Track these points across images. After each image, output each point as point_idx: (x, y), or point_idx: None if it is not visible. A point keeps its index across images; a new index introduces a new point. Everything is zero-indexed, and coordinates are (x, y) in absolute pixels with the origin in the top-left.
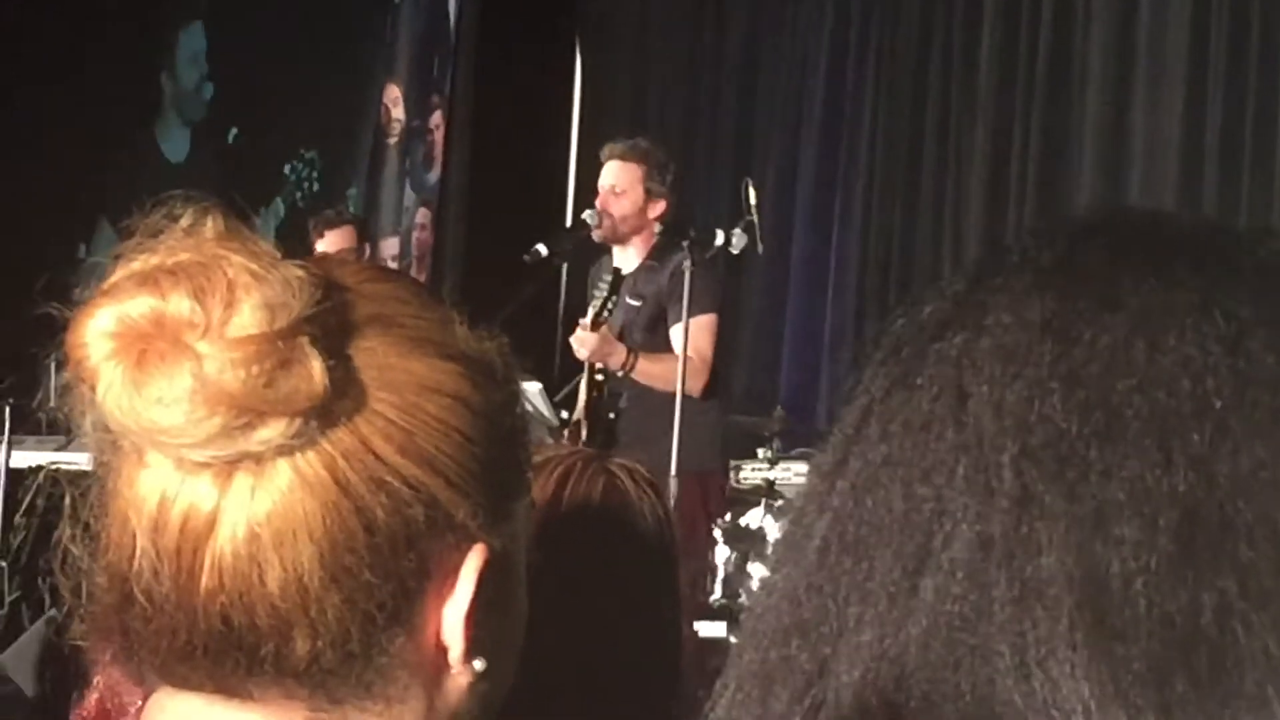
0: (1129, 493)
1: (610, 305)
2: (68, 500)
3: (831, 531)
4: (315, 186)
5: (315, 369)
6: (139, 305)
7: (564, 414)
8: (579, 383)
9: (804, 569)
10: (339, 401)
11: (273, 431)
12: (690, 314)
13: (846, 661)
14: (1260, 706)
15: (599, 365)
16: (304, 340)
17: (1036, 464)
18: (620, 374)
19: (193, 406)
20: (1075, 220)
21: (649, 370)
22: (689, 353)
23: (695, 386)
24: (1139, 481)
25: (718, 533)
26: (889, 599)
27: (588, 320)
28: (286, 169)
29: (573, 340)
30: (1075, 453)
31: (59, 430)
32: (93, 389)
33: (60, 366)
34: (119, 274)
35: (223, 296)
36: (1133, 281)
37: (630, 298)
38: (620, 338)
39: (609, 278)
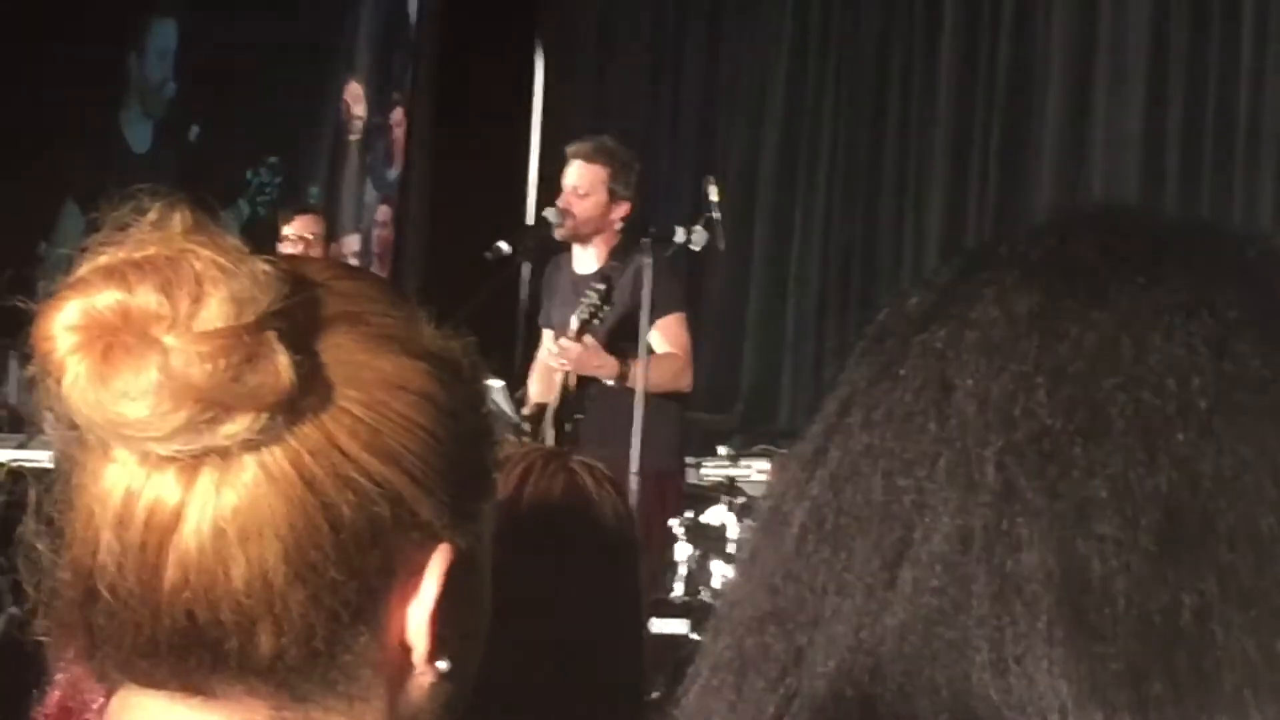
0: (1111, 490)
1: (600, 315)
2: (31, 495)
3: (810, 520)
4: (275, 193)
5: (282, 364)
6: (105, 298)
7: (523, 410)
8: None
9: (781, 557)
10: (305, 397)
11: (239, 426)
12: (659, 314)
13: (823, 651)
14: (1238, 708)
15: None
16: (271, 335)
17: (1019, 459)
18: (611, 383)
19: (158, 400)
20: (1066, 215)
21: (638, 376)
22: (674, 349)
23: (687, 382)
24: (1121, 480)
25: (679, 530)
26: (866, 590)
27: (573, 327)
28: (249, 173)
29: (552, 351)
30: (1059, 449)
31: (20, 428)
32: (58, 382)
33: (23, 361)
34: (86, 267)
35: (190, 290)
36: (1121, 279)
37: (583, 297)
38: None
39: (602, 287)
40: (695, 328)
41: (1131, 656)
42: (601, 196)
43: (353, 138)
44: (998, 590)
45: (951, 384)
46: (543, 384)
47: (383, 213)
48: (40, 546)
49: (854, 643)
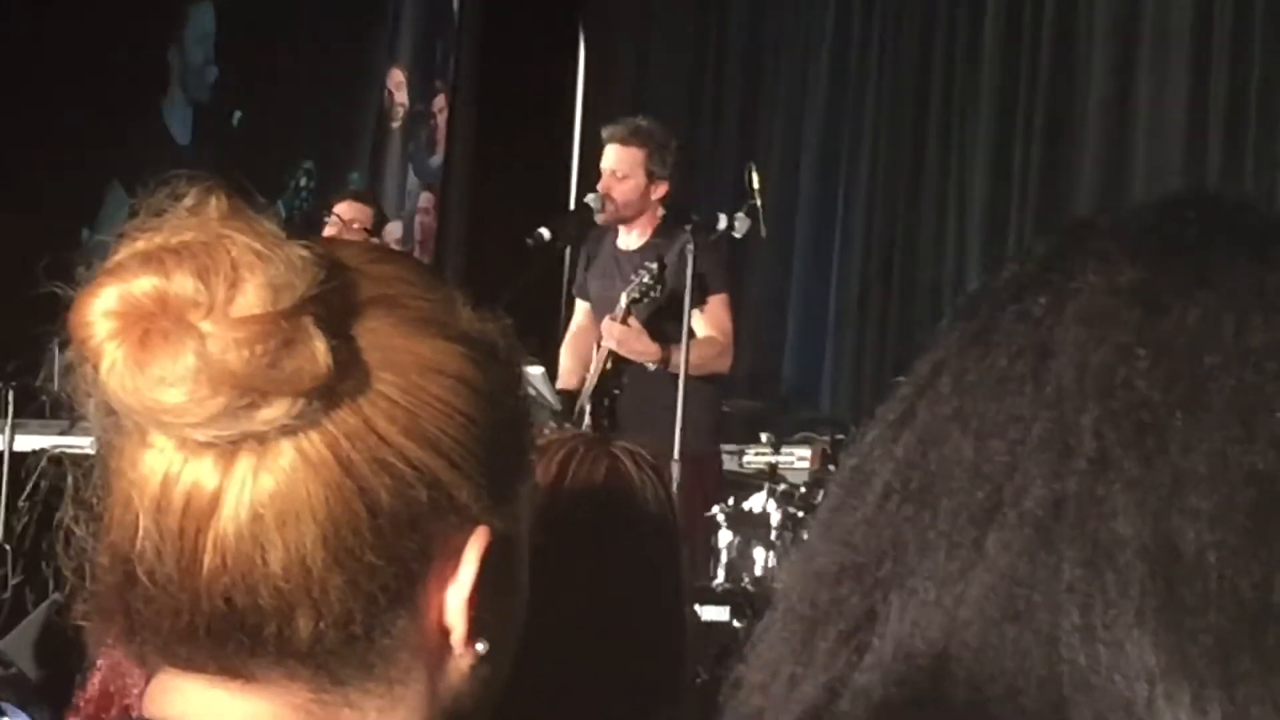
0: (1208, 465)
1: (652, 295)
2: (70, 481)
3: (894, 479)
4: (312, 199)
5: (319, 349)
6: (143, 284)
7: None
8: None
9: (862, 515)
10: (342, 382)
11: (276, 411)
12: (702, 295)
13: (898, 608)
14: None
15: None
16: (308, 320)
17: (1117, 428)
18: (652, 368)
19: (196, 386)
20: (1169, 196)
21: (680, 361)
22: (715, 332)
23: (726, 364)
24: (1219, 455)
25: (721, 516)
26: (950, 549)
27: (622, 304)
28: (285, 177)
29: (603, 327)
30: (1157, 421)
31: (62, 414)
32: (96, 368)
33: (64, 347)
34: (123, 253)
35: (227, 276)
36: (1225, 260)
37: (635, 276)
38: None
39: (654, 266)
40: (739, 316)
41: (1221, 632)
42: (640, 178)
43: (395, 125)
44: (1089, 557)
45: (1049, 351)
46: (572, 359)
47: (425, 200)
48: (79, 532)
49: (932, 599)
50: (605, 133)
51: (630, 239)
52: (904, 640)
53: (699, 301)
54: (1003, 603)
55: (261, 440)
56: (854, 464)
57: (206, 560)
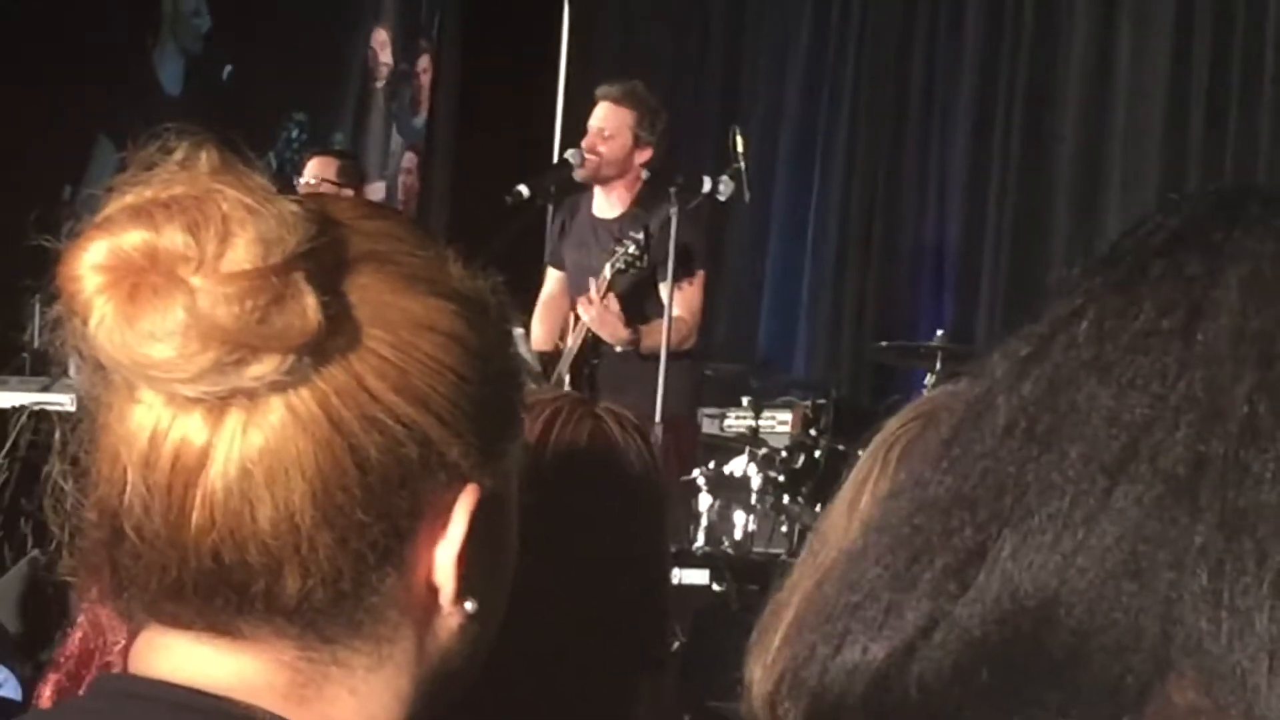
0: None
1: (637, 266)
2: (57, 436)
3: (1019, 416)
4: (302, 150)
5: (309, 305)
6: (132, 238)
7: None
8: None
9: (981, 448)
10: (333, 338)
11: (266, 367)
12: (684, 274)
13: (1012, 547)
14: None
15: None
16: (298, 276)
17: (1272, 399)
18: (619, 349)
19: (185, 341)
20: None
21: (653, 341)
22: (684, 314)
23: (689, 344)
24: None
25: (701, 480)
26: (1075, 495)
27: (607, 275)
28: (276, 128)
29: (580, 302)
30: None
31: (42, 370)
32: (84, 323)
33: (45, 304)
34: (112, 207)
35: (217, 230)
36: None
37: (619, 246)
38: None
39: (640, 237)
40: (717, 283)
41: None
42: (626, 139)
43: (379, 84)
44: (1227, 523)
45: (1201, 310)
46: (545, 326)
47: (408, 160)
48: (66, 487)
49: (1049, 542)
50: (599, 91)
51: (607, 206)
52: (1013, 580)
53: (678, 276)
54: (1125, 557)
55: (251, 396)
56: (978, 393)
57: (194, 516)
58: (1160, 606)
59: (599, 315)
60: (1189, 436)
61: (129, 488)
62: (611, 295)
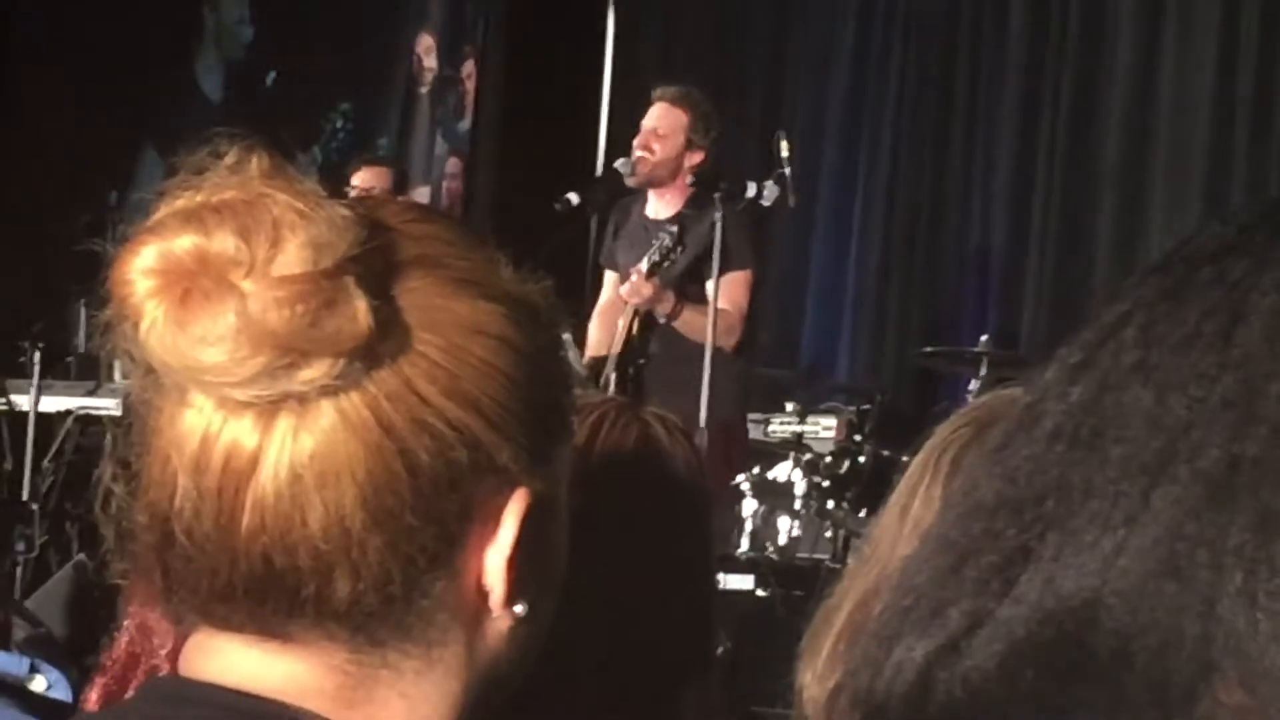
0: None
1: (671, 258)
2: (108, 439)
3: (1066, 421)
4: (348, 140)
5: (360, 309)
6: (183, 243)
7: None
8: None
9: (1029, 452)
10: (383, 342)
11: (316, 372)
12: (728, 269)
13: (1055, 547)
14: None
15: (642, 313)
16: (349, 280)
17: None
18: (663, 320)
19: (236, 345)
20: None
21: (691, 321)
22: (727, 306)
23: (730, 341)
24: None
25: (746, 485)
26: (1116, 496)
27: (644, 268)
28: (321, 121)
29: (625, 287)
30: None
31: (88, 375)
32: (135, 327)
33: (92, 308)
34: (163, 211)
35: (268, 235)
36: None
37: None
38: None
39: (674, 229)
40: (760, 287)
41: None
42: (679, 141)
43: (423, 90)
44: (1260, 523)
45: (1241, 314)
46: (601, 330)
47: (453, 165)
48: (117, 490)
49: (1089, 543)
50: (656, 92)
51: (659, 208)
52: (1056, 580)
53: (720, 273)
54: (1164, 556)
55: (301, 400)
56: (1029, 400)
57: (245, 520)
58: (1201, 607)
59: (647, 293)
60: (1224, 438)
61: (180, 491)
62: (656, 278)
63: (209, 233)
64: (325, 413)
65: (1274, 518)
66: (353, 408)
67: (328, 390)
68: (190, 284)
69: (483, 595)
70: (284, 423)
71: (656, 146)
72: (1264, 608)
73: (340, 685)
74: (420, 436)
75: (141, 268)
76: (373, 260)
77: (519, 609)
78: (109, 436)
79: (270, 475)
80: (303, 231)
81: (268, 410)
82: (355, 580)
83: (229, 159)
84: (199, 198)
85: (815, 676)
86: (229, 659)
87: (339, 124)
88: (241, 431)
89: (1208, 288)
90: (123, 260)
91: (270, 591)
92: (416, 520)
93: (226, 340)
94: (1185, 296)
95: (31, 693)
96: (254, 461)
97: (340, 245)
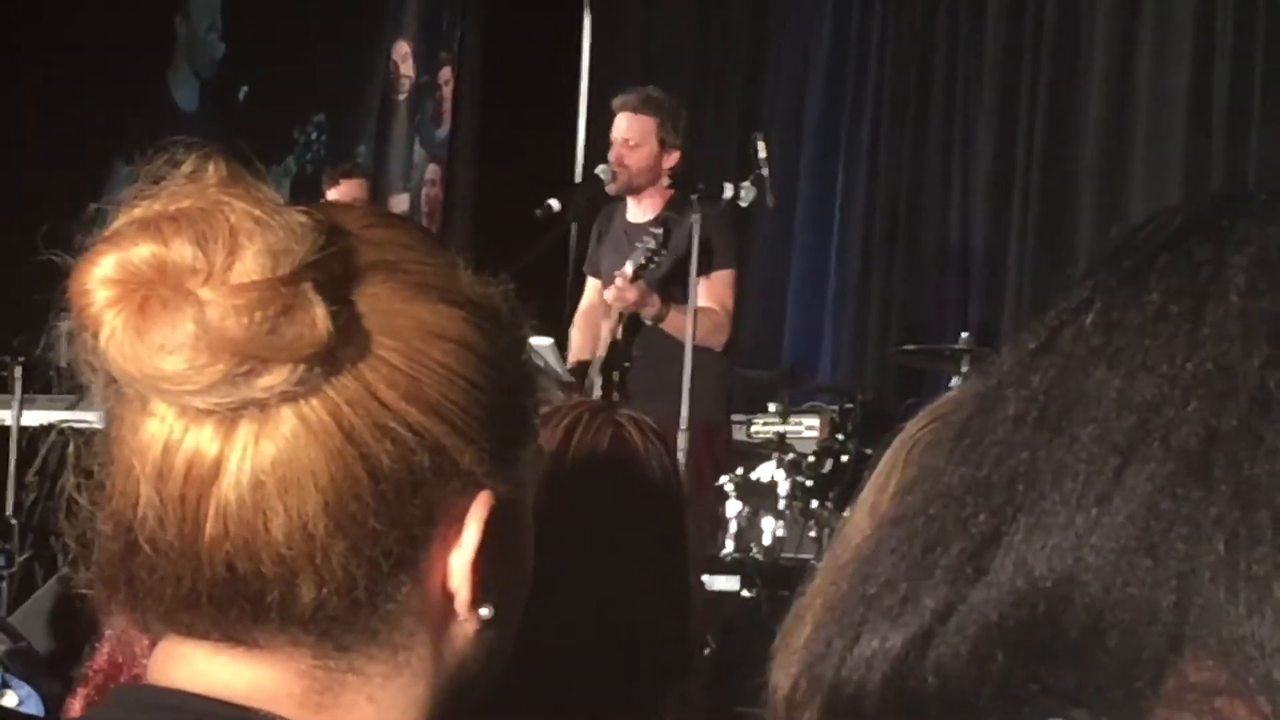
0: None
1: (656, 261)
2: (71, 450)
3: (1029, 406)
4: (322, 150)
5: (319, 315)
6: (141, 252)
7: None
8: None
9: (993, 437)
10: (343, 348)
11: (276, 378)
12: (711, 269)
13: (1025, 530)
14: None
15: (627, 317)
16: (307, 286)
17: None
18: (650, 322)
19: (195, 353)
20: None
21: (678, 322)
22: (714, 305)
23: (720, 340)
24: None
25: (729, 486)
26: (1088, 476)
27: (629, 271)
28: (295, 132)
29: (609, 291)
30: None
31: (70, 388)
32: (95, 336)
33: (64, 318)
34: (121, 221)
35: (225, 243)
36: None
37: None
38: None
39: (659, 232)
40: (743, 287)
41: None
42: (653, 146)
43: (400, 97)
44: (1242, 493)
45: (1208, 294)
46: (583, 335)
47: (431, 172)
48: (81, 500)
49: (1062, 523)
50: (616, 102)
51: (640, 212)
52: (1027, 562)
53: (703, 272)
54: (1139, 532)
55: (262, 407)
56: (989, 385)
57: (208, 527)
58: (1175, 580)
59: (633, 297)
60: (1200, 412)
61: (142, 500)
62: (641, 280)
63: (166, 241)
64: (286, 419)
65: (1255, 486)
66: (313, 414)
67: (288, 397)
68: (149, 293)
69: (448, 598)
70: (245, 430)
71: (630, 158)
72: (1247, 575)
73: (307, 690)
74: (382, 441)
75: (100, 277)
76: (331, 266)
77: (485, 612)
78: (70, 446)
79: (232, 483)
80: (260, 239)
81: (229, 418)
82: (319, 585)
83: (186, 167)
84: (156, 206)
85: (785, 673)
86: (196, 666)
87: (314, 135)
88: (203, 439)
89: (1169, 271)
90: (81, 270)
91: (235, 598)
92: (380, 525)
93: (186, 348)
94: (1146, 280)
95: (2, 708)
96: (216, 469)
97: (298, 251)
